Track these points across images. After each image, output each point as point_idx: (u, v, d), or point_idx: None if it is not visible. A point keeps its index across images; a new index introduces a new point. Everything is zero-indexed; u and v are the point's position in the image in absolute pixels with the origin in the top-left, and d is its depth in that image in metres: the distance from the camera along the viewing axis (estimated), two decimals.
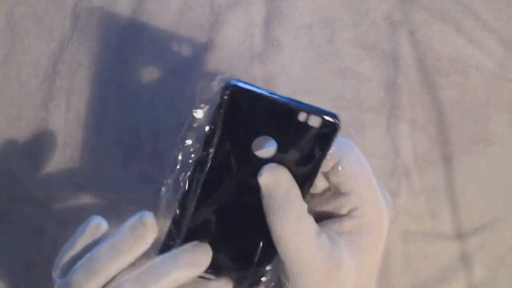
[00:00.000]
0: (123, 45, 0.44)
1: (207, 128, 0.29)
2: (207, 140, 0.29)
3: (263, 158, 0.28)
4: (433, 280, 0.42)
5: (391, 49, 0.44)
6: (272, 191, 0.28)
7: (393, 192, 0.43)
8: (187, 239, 0.30)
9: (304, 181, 0.29)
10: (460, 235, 0.42)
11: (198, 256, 0.29)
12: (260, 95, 0.28)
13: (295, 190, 0.28)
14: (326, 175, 0.29)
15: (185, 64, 0.44)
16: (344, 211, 0.29)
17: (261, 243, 0.30)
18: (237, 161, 0.29)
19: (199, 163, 0.29)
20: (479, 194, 0.42)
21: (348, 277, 0.29)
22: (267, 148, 0.29)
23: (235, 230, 0.30)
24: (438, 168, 0.43)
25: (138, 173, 0.43)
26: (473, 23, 0.44)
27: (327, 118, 0.28)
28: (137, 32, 0.44)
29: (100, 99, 0.44)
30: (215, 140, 0.29)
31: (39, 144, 0.44)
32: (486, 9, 0.44)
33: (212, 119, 0.29)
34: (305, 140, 0.28)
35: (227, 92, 0.28)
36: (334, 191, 0.30)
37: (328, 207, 0.30)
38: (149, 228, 0.28)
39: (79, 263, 0.28)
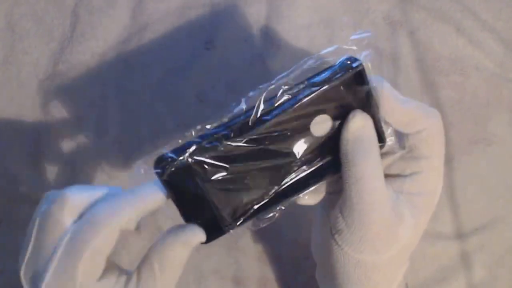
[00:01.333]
0: (123, 45, 0.44)
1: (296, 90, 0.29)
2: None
3: (314, 134, 0.29)
4: (433, 280, 0.42)
5: (391, 49, 0.44)
6: (361, 134, 0.29)
7: None
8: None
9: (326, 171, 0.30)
10: (460, 235, 0.42)
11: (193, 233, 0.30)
12: (366, 85, 0.29)
13: (376, 138, 0.29)
14: (406, 136, 0.30)
15: (185, 64, 0.44)
16: (408, 172, 0.30)
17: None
18: (298, 124, 0.29)
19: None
20: (479, 194, 0.42)
21: (405, 233, 0.30)
22: (322, 126, 0.29)
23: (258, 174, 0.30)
24: None
25: None
26: (473, 23, 0.44)
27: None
28: (137, 32, 0.44)
29: (100, 99, 0.44)
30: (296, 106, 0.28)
31: (39, 144, 0.44)
32: (486, 9, 0.44)
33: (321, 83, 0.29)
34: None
35: (360, 64, 0.29)
36: (404, 153, 0.31)
37: (392, 167, 0.31)
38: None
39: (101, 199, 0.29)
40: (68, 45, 0.44)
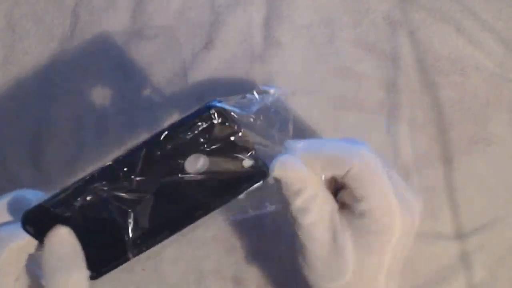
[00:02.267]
0: (123, 45, 0.44)
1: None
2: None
3: (189, 172, 0.30)
4: (433, 280, 0.42)
5: (391, 49, 0.44)
6: (288, 183, 0.29)
7: None
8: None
9: (214, 203, 0.31)
10: (460, 235, 0.42)
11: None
12: (235, 122, 0.30)
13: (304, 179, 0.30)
14: (342, 179, 0.30)
15: (185, 64, 0.44)
16: (355, 210, 0.30)
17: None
18: (169, 163, 0.30)
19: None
20: (479, 194, 0.42)
21: (346, 268, 0.30)
22: (199, 166, 0.31)
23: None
24: (438, 168, 0.43)
25: None
26: (473, 23, 0.44)
27: (260, 170, 0.30)
28: (137, 32, 0.44)
29: (100, 99, 0.44)
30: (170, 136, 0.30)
31: (39, 144, 0.44)
32: (486, 9, 0.44)
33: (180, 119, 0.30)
34: (234, 175, 0.30)
35: (211, 108, 0.30)
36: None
37: (347, 199, 0.31)
38: None
39: None
40: (68, 45, 0.44)
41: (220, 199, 0.31)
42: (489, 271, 0.42)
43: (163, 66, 0.44)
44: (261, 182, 0.31)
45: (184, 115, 0.30)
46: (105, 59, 0.44)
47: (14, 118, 0.44)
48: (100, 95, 0.44)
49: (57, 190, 0.30)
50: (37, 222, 0.29)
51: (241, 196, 0.31)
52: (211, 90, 0.44)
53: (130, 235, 0.31)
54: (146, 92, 0.44)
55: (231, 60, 0.44)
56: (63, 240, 0.29)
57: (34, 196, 0.30)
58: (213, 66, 0.44)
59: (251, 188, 0.31)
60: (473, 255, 0.42)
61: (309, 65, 0.44)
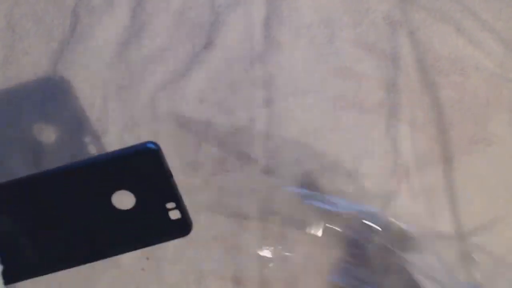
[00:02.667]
0: (123, 45, 0.44)
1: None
2: None
3: (115, 207, 0.30)
4: None
5: (391, 49, 0.44)
6: None
7: (393, 192, 0.43)
8: None
9: (122, 246, 0.31)
10: (460, 235, 0.42)
11: None
12: (163, 168, 0.29)
13: None
14: None
15: (185, 64, 0.44)
16: None
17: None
18: (92, 195, 0.30)
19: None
20: (479, 194, 0.42)
21: None
22: (126, 203, 0.30)
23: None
24: (438, 168, 0.43)
25: None
26: (473, 23, 0.44)
27: (182, 222, 0.30)
28: (137, 32, 0.44)
29: (100, 99, 0.44)
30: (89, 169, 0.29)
31: (39, 144, 0.44)
32: (486, 9, 0.44)
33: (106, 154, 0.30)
34: (156, 222, 0.30)
35: (146, 148, 0.29)
36: None
37: None
38: None
39: None
40: (68, 45, 0.44)
41: (135, 243, 0.31)
42: (489, 271, 0.42)
43: (163, 66, 0.44)
44: (183, 235, 0.30)
45: (122, 148, 0.30)
46: (105, 59, 0.44)
47: (14, 118, 0.44)
48: (100, 95, 0.44)
49: None
50: None
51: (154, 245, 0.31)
52: (211, 90, 0.44)
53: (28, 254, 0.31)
54: (146, 92, 0.44)
55: (231, 60, 0.44)
56: None
57: None
58: (213, 66, 0.44)
59: (172, 239, 0.31)
60: (473, 255, 0.42)
61: (309, 65, 0.44)
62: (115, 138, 0.43)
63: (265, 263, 0.42)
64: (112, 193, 0.30)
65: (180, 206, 0.30)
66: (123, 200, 0.30)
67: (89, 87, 0.44)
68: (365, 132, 0.43)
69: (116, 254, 0.31)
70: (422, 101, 0.43)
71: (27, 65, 0.44)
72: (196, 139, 0.43)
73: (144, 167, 0.29)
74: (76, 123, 0.44)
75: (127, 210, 0.30)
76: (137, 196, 0.30)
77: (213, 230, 0.42)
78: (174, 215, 0.30)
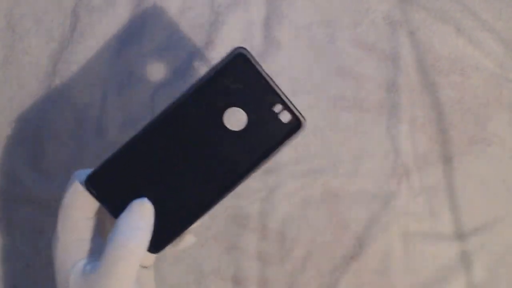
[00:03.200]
0: (123, 45, 0.44)
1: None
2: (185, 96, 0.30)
3: (228, 128, 0.30)
4: (433, 280, 0.42)
5: (391, 49, 0.44)
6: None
7: (393, 192, 0.43)
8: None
9: (252, 162, 0.30)
10: (460, 235, 0.42)
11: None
12: (258, 71, 0.30)
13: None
14: None
15: (185, 64, 0.44)
16: None
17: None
18: (205, 119, 0.30)
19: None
20: (479, 194, 0.42)
21: None
22: (237, 122, 0.30)
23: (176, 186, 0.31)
24: (438, 168, 0.43)
25: None
26: (473, 23, 0.44)
27: (296, 119, 0.30)
28: (137, 32, 0.44)
29: (100, 99, 0.44)
30: (197, 93, 0.30)
31: (39, 144, 0.44)
32: (486, 9, 0.44)
33: (206, 73, 0.30)
34: (271, 129, 0.30)
35: (233, 52, 0.29)
36: None
37: None
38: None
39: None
40: (68, 45, 0.44)
41: (259, 159, 0.30)
42: (489, 271, 0.42)
43: (163, 66, 0.44)
44: (298, 133, 0.30)
45: (213, 65, 0.30)
46: (105, 59, 0.44)
47: (14, 118, 0.44)
48: (100, 95, 0.44)
49: (114, 151, 0.31)
50: (101, 185, 0.30)
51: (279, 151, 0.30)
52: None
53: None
54: (146, 92, 0.44)
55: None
56: (144, 213, 0.30)
57: None
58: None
59: (289, 141, 0.30)
60: (473, 255, 0.42)
61: (309, 65, 0.44)
62: (115, 138, 0.43)
63: (265, 263, 0.42)
64: (223, 114, 0.30)
65: (287, 105, 0.30)
66: (233, 121, 0.30)
67: (89, 87, 0.44)
68: (365, 132, 0.43)
69: (247, 177, 0.31)
70: (422, 101, 0.43)
71: (27, 65, 0.44)
72: None
73: (239, 74, 0.29)
74: (76, 123, 0.44)
75: (240, 130, 0.30)
76: (246, 110, 0.30)
77: (213, 230, 0.43)
78: (285, 117, 0.30)
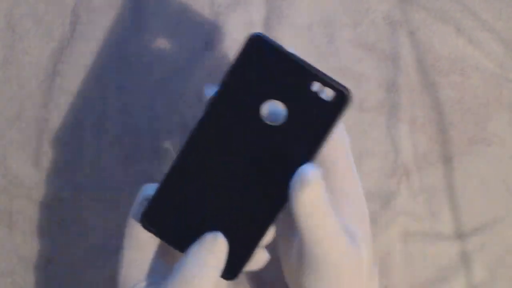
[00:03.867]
0: (123, 45, 0.44)
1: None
2: (215, 99, 0.27)
3: (269, 124, 0.27)
4: (433, 280, 0.42)
5: (391, 49, 0.44)
6: (316, 203, 0.26)
7: (393, 192, 0.43)
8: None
9: (308, 153, 0.27)
10: (460, 235, 0.42)
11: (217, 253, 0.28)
12: (282, 52, 0.26)
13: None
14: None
15: (185, 64, 0.44)
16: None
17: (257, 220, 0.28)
18: (242, 122, 0.27)
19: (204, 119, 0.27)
20: (479, 194, 0.42)
21: (364, 254, 0.28)
22: (275, 115, 0.27)
23: (231, 202, 0.28)
24: (438, 168, 0.43)
25: (138, 173, 0.43)
26: (473, 23, 0.44)
27: (339, 92, 0.27)
28: (137, 32, 0.44)
29: (100, 99, 0.44)
30: (223, 96, 0.27)
31: (39, 144, 0.44)
32: (486, 9, 0.44)
33: (226, 72, 0.27)
34: (315, 112, 0.27)
35: (249, 40, 0.27)
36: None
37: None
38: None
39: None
40: (68, 45, 0.44)
41: (312, 147, 0.27)
42: (489, 271, 0.42)
43: (163, 66, 0.44)
44: (347, 106, 0.27)
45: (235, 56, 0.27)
46: (105, 59, 0.44)
47: (14, 118, 0.44)
48: (100, 95, 0.44)
49: (162, 180, 0.28)
50: (158, 220, 0.28)
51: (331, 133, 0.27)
52: (211, 90, 0.44)
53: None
54: (146, 92, 0.44)
55: (231, 60, 0.44)
56: (217, 248, 0.28)
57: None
58: (213, 66, 0.44)
59: (339, 120, 0.27)
60: (473, 255, 0.42)
61: None
62: (115, 138, 0.43)
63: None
64: (259, 112, 0.26)
65: (325, 80, 0.26)
66: (272, 115, 0.27)
67: (89, 87, 0.44)
68: (365, 132, 0.43)
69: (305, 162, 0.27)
70: (422, 101, 0.43)
71: (27, 65, 0.44)
72: None
73: (262, 62, 0.26)
74: (76, 123, 0.44)
75: (284, 123, 0.27)
76: (281, 99, 0.26)
77: None
78: (327, 93, 0.27)
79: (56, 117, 0.44)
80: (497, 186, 0.43)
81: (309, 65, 0.27)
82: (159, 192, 0.28)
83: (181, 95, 0.44)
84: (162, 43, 0.44)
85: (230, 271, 0.28)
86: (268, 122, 0.27)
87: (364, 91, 0.43)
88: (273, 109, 0.28)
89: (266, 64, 0.27)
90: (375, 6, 0.44)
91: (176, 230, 0.28)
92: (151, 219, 0.28)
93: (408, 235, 0.42)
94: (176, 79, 0.44)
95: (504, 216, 0.42)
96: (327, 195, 0.27)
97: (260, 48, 0.27)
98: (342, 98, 0.27)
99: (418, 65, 0.44)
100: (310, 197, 0.26)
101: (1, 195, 0.43)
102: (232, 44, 0.44)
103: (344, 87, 0.27)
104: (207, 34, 0.44)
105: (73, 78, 0.44)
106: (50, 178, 0.43)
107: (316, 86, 0.27)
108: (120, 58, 0.44)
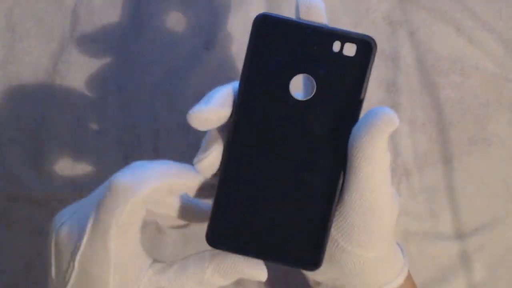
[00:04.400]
0: (123, 45, 0.44)
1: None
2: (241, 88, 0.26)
3: (304, 100, 0.26)
4: (433, 280, 0.42)
5: (391, 49, 0.44)
6: (383, 133, 0.26)
7: None
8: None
9: (350, 113, 0.26)
10: (460, 235, 0.42)
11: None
12: (292, 23, 0.26)
13: None
14: None
15: (185, 64, 0.44)
16: None
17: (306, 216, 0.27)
18: (276, 108, 0.26)
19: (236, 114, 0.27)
20: (479, 194, 0.42)
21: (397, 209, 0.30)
22: (305, 89, 0.27)
23: (274, 195, 0.27)
24: (438, 168, 0.43)
25: None
26: (473, 23, 0.44)
27: (361, 42, 0.26)
28: (137, 32, 0.44)
29: (100, 99, 0.44)
30: (249, 89, 0.26)
31: (39, 144, 0.44)
32: (486, 9, 0.44)
33: (245, 62, 0.26)
34: (344, 72, 0.26)
35: (256, 22, 0.26)
36: None
37: None
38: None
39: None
40: (68, 45, 0.44)
41: (353, 106, 0.26)
42: (489, 271, 0.42)
43: (163, 66, 0.44)
44: (374, 54, 0.26)
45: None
46: (105, 59, 0.44)
47: (14, 118, 0.44)
48: (100, 95, 0.44)
49: (214, 194, 0.28)
50: (225, 236, 0.27)
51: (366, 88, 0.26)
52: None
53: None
54: (146, 92, 0.44)
55: (231, 60, 0.44)
56: None
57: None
58: (213, 66, 0.44)
59: (370, 69, 0.26)
60: (473, 255, 0.42)
61: None
62: (115, 138, 0.43)
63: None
64: (288, 91, 0.26)
65: (345, 36, 0.26)
66: (302, 89, 0.26)
67: (89, 87, 0.44)
68: None
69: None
70: (422, 101, 0.43)
71: (27, 65, 0.44)
72: (197, 139, 0.43)
73: (276, 39, 0.26)
74: (76, 123, 0.44)
75: (315, 93, 0.26)
76: (307, 71, 0.26)
77: None
78: (350, 49, 0.26)
79: (56, 116, 0.44)
80: (497, 186, 0.43)
81: (322, 27, 0.26)
82: (215, 208, 0.27)
83: (181, 95, 0.44)
84: (162, 43, 0.44)
85: (313, 260, 0.27)
86: (301, 99, 0.26)
87: None
88: (303, 83, 0.27)
89: (280, 40, 0.26)
90: (375, 6, 0.44)
91: (245, 238, 0.27)
92: (218, 237, 0.27)
93: (408, 235, 0.42)
94: (176, 79, 0.44)
95: (504, 216, 0.42)
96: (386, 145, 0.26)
97: (269, 27, 0.26)
98: (366, 48, 0.26)
99: (418, 65, 0.44)
100: (378, 140, 0.25)
101: (1, 195, 0.43)
102: (232, 44, 0.44)
103: (365, 35, 0.26)
104: (207, 34, 0.44)
105: (73, 78, 0.44)
106: (50, 178, 0.43)
107: (336, 46, 0.26)
108: (120, 58, 0.44)
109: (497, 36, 0.44)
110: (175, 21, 0.44)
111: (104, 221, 0.27)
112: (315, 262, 0.27)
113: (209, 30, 0.44)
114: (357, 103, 0.26)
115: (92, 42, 0.44)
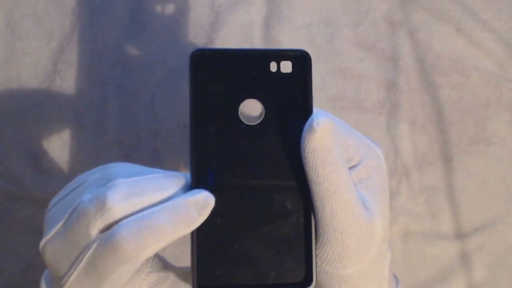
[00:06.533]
0: (123, 45, 0.44)
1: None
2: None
3: (255, 124, 0.26)
4: (433, 280, 0.42)
5: (391, 49, 0.44)
6: (328, 143, 0.25)
7: (393, 192, 0.43)
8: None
9: (302, 127, 0.26)
10: (460, 235, 0.42)
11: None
12: (228, 53, 0.26)
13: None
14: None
15: (185, 64, 0.44)
16: (355, 160, 0.28)
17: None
18: (229, 135, 0.26)
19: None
20: (479, 194, 0.42)
21: (378, 226, 0.27)
22: (256, 111, 0.27)
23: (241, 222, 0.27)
24: (438, 168, 0.43)
25: None
26: (473, 23, 0.44)
27: (295, 58, 0.26)
28: (137, 32, 0.44)
29: (100, 99, 0.44)
30: (198, 126, 0.26)
31: (39, 144, 0.44)
32: (486, 9, 0.44)
33: (190, 100, 0.26)
34: (287, 89, 0.26)
35: (192, 58, 0.26)
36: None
37: None
38: (206, 212, 0.26)
39: (132, 218, 0.25)
40: (68, 45, 0.44)
41: (302, 121, 0.26)
42: (489, 271, 0.42)
43: (163, 66, 0.44)
44: (310, 65, 0.26)
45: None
46: (105, 59, 0.44)
47: (14, 118, 0.44)
48: (100, 95, 0.44)
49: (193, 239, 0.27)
50: (212, 276, 0.26)
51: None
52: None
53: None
54: (146, 92, 0.44)
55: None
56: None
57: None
58: None
59: (311, 82, 0.26)
60: (473, 255, 0.42)
61: None
62: (115, 138, 0.43)
63: None
64: (238, 116, 0.26)
65: (277, 55, 0.26)
66: (249, 117, 0.27)
67: (89, 87, 0.44)
68: (365, 132, 0.43)
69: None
70: (422, 101, 0.43)
71: (27, 65, 0.44)
72: None
73: (213, 71, 0.26)
74: (76, 123, 0.44)
75: (265, 116, 0.26)
76: (254, 94, 0.26)
77: None
78: (286, 66, 0.26)
79: (56, 116, 0.44)
80: (497, 186, 0.43)
81: (256, 50, 0.27)
82: (198, 253, 0.27)
83: (181, 95, 0.44)
84: (162, 43, 0.44)
85: (306, 278, 0.27)
86: (253, 123, 0.27)
87: (364, 91, 0.43)
88: (251, 108, 0.27)
89: (219, 71, 0.26)
90: (375, 6, 0.44)
91: (231, 271, 0.27)
92: (205, 279, 0.27)
93: (408, 235, 0.42)
94: (176, 79, 0.44)
95: (504, 216, 0.42)
96: (340, 151, 0.26)
97: (206, 61, 0.26)
98: (301, 62, 0.26)
99: (418, 65, 0.44)
100: (319, 144, 0.25)
101: (1, 195, 0.43)
102: (232, 44, 0.44)
103: (297, 50, 0.26)
104: (207, 34, 0.44)
105: (73, 78, 0.44)
106: (50, 178, 0.43)
107: (273, 66, 0.26)
108: (120, 58, 0.44)
109: (497, 36, 0.44)
110: (175, 21, 0.44)
111: (97, 278, 0.26)
112: (307, 280, 0.27)
113: (209, 30, 0.44)
114: (306, 116, 0.27)
115: (92, 42, 0.44)
